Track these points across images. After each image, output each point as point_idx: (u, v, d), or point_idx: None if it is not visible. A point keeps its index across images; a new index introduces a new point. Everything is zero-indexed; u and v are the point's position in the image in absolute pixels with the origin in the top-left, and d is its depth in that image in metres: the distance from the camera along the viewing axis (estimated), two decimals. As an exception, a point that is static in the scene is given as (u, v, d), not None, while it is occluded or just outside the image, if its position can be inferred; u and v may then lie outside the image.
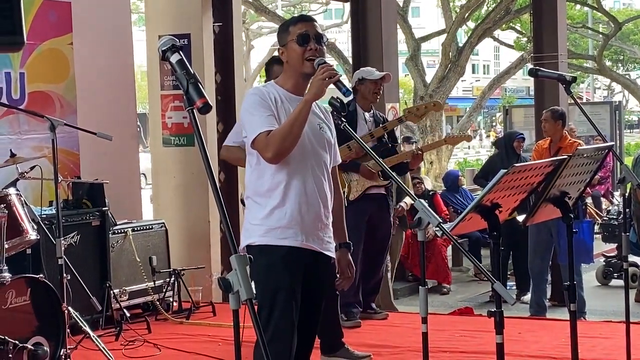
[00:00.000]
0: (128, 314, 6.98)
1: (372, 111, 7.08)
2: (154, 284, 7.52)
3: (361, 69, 7.42)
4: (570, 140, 8.26)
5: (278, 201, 3.86)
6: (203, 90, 2.80)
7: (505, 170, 3.66)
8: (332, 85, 3.87)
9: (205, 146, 2.77)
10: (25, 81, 7.33)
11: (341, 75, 3.85)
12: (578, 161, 4.15)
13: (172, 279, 7.56)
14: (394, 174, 3.75)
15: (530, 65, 14.41)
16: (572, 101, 5.67)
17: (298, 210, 3.87)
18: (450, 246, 11.12)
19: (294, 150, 3.84)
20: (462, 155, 32.94)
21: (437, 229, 3.53)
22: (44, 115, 5.82)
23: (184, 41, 8.12)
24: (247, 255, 2.72)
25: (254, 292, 2.69)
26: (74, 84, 7.71)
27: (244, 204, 4.16)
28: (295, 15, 4.26)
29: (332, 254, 4.05)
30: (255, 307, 2.76)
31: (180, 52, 2.92)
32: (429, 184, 11.47)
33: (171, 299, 7.64)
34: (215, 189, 2.77)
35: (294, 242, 3.88)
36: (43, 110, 6.60)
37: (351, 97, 4.00)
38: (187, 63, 2.88)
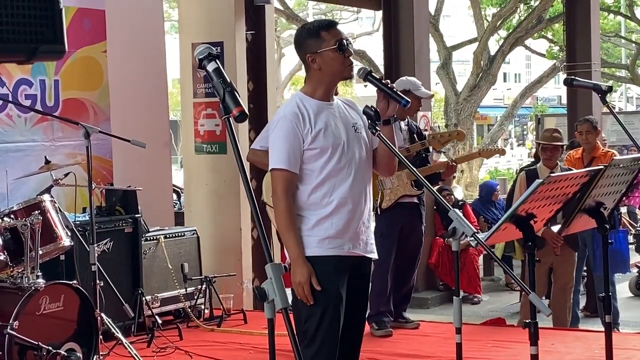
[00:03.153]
0: (160, 321, 7.00)
1: (406, 120, 7.08)
2: (186, 291, 7.54)
3: (408, 78, 7.31)
4: (603, 150, 8.20)
5: (324, 214, 3.85)
6: (239, 99, 2.80)
7: (541, 180, 3.65)
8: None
9: (241, 154, 2.77)
10: (59, 88, 7.38)
11: None
12: (614, 171, 4.13)
13: (204, 286, 7.58)
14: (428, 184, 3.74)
15: (562, 74, 14.35)
16: (607, 110, 5.63)
17: (345, 220, 3.86)
18: (482, 256, 11.05)
19: (336, 163, 3.85)
20: (493, 164, 32.74)
21: (472, 238, 3.51)
22: (78, 122, 5.85)
23: (217, 49, 8.13)
24: (283, 265, 2.72)
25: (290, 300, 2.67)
26: (107, 92, 7.75)
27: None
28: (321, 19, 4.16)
29: (374, 255, 4.05)
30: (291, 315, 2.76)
31: (217, 60, 2.93)
32: (459, 194, 11.41)
33: (202, 306, 7.66)
34: (251, 197, 2.76)
35: (340, 251, 3.87)
36: (77, 118, 6.65)
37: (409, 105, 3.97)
38: (223, 71, 2.89)
